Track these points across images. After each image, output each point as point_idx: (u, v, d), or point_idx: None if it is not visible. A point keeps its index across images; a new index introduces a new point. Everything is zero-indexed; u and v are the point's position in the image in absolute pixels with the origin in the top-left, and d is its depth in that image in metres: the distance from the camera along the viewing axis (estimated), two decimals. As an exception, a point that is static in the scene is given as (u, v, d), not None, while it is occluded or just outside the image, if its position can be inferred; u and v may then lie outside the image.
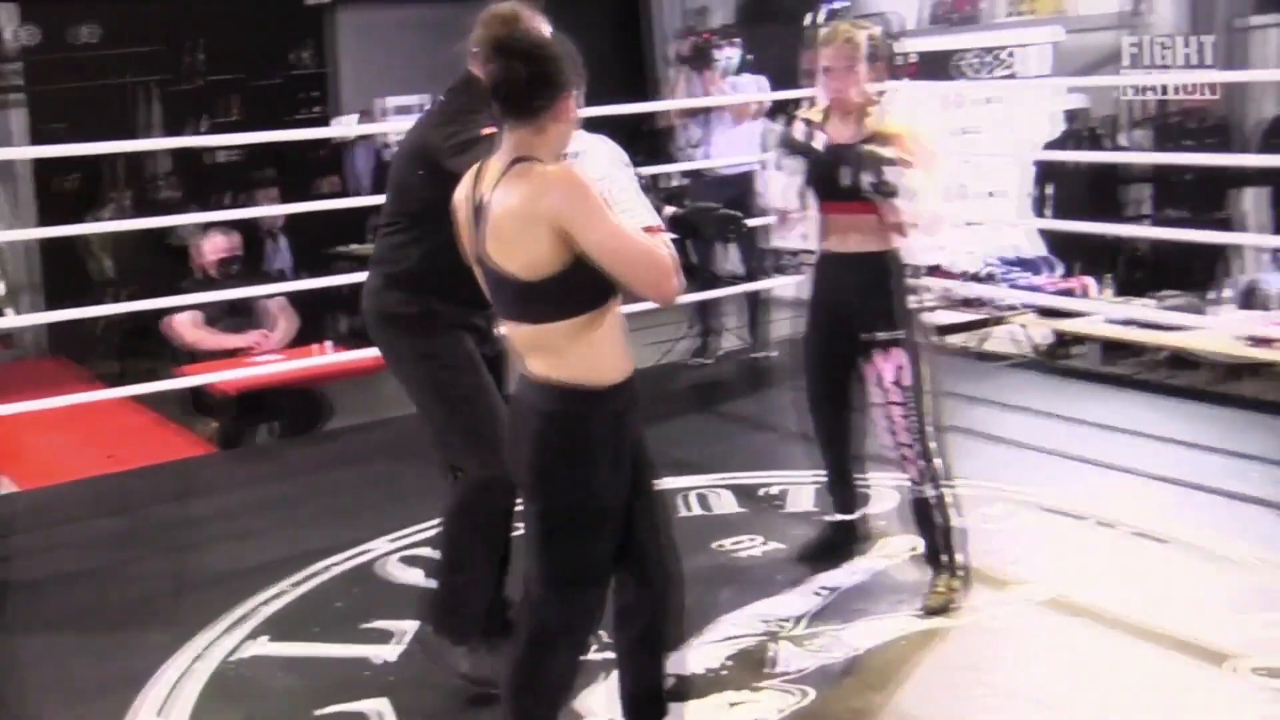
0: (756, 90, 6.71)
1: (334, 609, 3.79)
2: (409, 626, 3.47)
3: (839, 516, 3.97)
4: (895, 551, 3.96)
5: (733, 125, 6.66)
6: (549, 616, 2.54)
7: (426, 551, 4.02)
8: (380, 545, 4.21)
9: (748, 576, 3.83)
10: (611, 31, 11.50)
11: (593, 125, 2.58)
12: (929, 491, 3.59)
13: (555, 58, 2.44)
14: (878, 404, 3.63)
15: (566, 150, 2.47)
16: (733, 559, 3.99)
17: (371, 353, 6.06)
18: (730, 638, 3.42)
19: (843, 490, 3.94)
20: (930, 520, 3.63)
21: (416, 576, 3.85)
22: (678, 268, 2.39)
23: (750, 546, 4.07)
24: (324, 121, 10.20)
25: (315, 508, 4.71)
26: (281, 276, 8.28)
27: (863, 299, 3.59)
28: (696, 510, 4.44)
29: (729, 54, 6.71)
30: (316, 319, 7.63)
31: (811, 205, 3.64)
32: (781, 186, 3.60)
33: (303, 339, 6.28)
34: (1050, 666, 3.27)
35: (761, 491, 4.58)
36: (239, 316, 6.14)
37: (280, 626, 3.68)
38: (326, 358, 5.80)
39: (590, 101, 2.54)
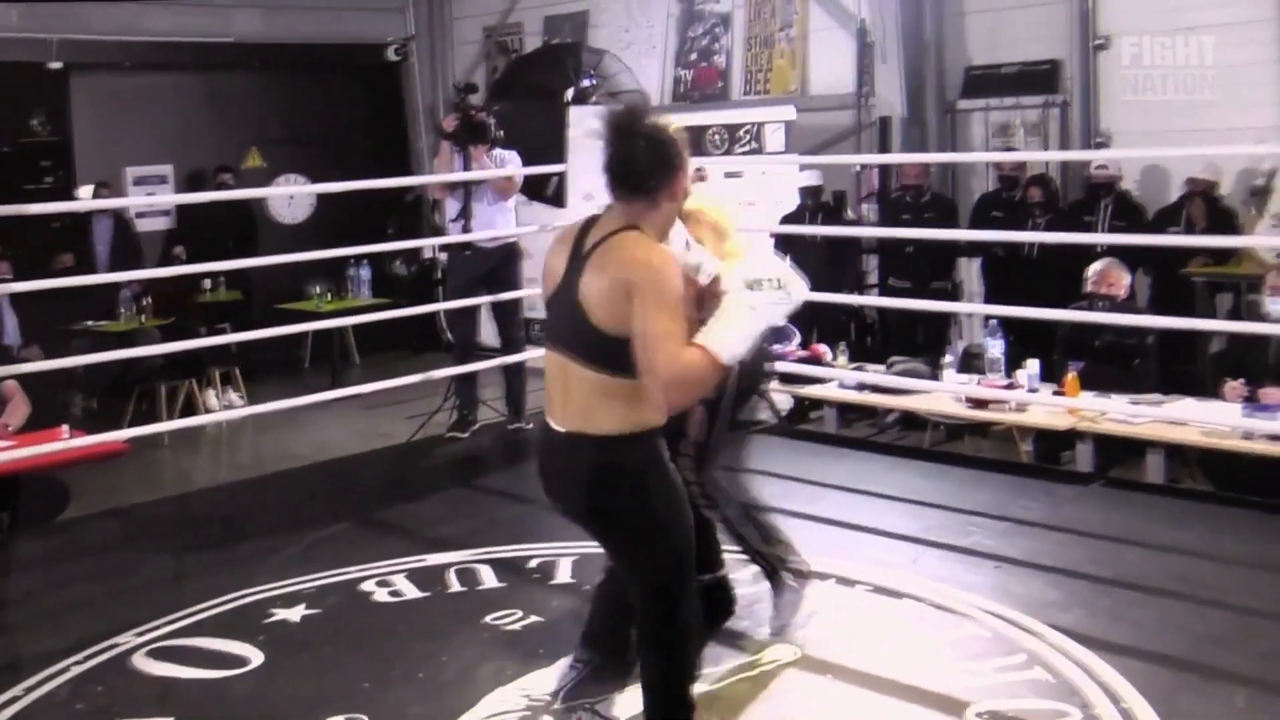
0: (513, 166, 6.85)
1: (74, 711, 3.60)
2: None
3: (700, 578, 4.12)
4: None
5: (494, 200, 6.77)
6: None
7: (179, 643, 3.89)
8: (127, 639, 4.03)
9: (511, 651, 3.87)
10: (371, 103, 11.46)
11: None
12: (727, 512, 3.95)
13: (671, 141, 2.80)
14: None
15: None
16: (496, 634, 4.03)
17: (110, 437, 5.86)
18: (495, 714, 3.46)
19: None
20: (737, 533, 4.02)
21: (169, 670, 3.70)
22: (680, 389, 2.67)
23: (513, 621, 4.11)
24: (63, 192, 9.70)
25: (51, 603, 4.46)
26: (7, 353, 7.80)
27: None
28: (457, 587, 4.45)
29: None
30: (52, 400, 7.22)
31: None
32: None
33: (37, 422, 5.95)
34: (800, 723, 3.44)
35: (522, 565, 4.63)
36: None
37: (14, 735, 3.48)
38: (63, 443, 5.49)
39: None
